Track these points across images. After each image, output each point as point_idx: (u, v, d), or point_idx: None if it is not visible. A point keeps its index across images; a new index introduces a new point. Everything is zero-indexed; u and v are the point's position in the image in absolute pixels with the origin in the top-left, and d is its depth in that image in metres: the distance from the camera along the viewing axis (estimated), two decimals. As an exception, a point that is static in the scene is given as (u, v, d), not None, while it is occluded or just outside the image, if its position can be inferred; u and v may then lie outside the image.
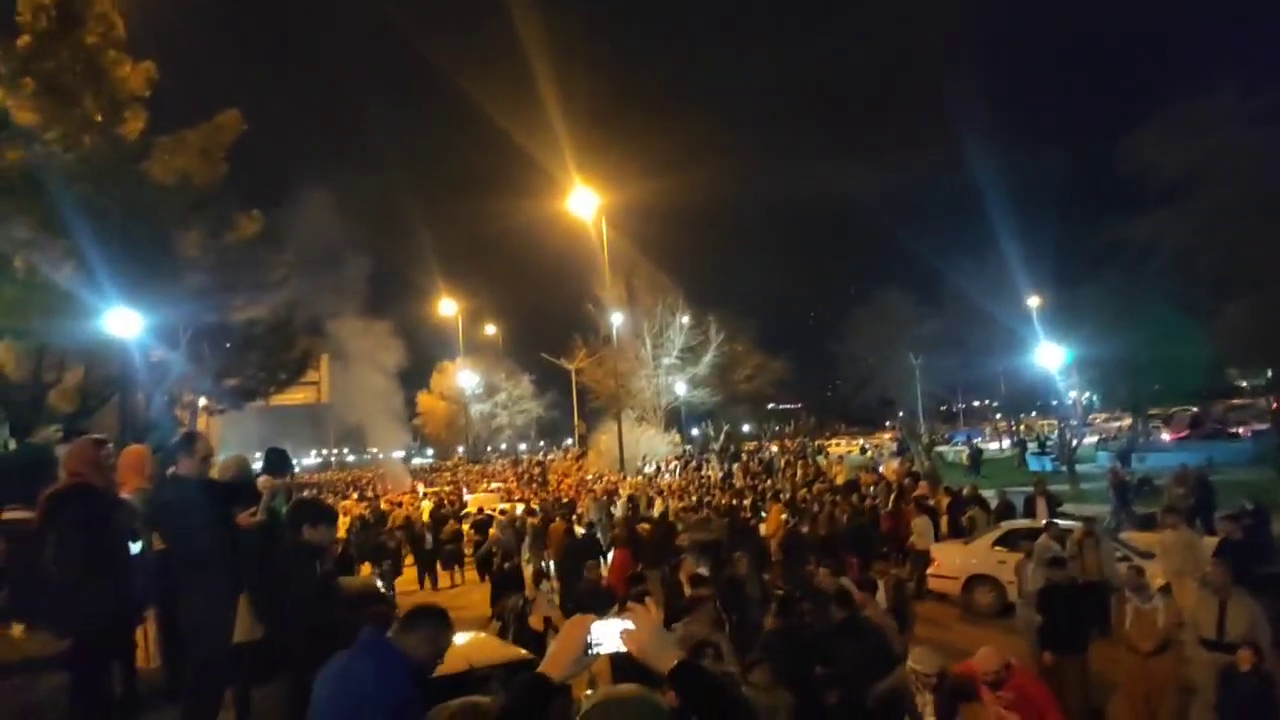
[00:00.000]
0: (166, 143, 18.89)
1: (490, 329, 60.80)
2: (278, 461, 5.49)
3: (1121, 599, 7.60)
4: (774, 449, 38.82)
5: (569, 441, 54.79)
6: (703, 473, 31.68)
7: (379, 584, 12.21)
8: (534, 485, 35.71)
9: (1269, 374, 36.50)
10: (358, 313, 46.33)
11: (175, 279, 18.26)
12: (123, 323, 16.38)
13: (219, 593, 4.82)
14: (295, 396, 52.14)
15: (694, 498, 21.34)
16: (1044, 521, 13.72)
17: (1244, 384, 44.69)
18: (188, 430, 5.76)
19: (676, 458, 38.95)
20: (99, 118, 17.82)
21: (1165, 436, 38.93)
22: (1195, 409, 39.72)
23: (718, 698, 1.91)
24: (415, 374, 59.84)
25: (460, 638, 7.06)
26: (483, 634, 8.02)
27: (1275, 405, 34.43)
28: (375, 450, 62.45)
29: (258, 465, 5.98)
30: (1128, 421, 42.58)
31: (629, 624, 1.95)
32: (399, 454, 60.29)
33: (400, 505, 25.47)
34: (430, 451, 67.29)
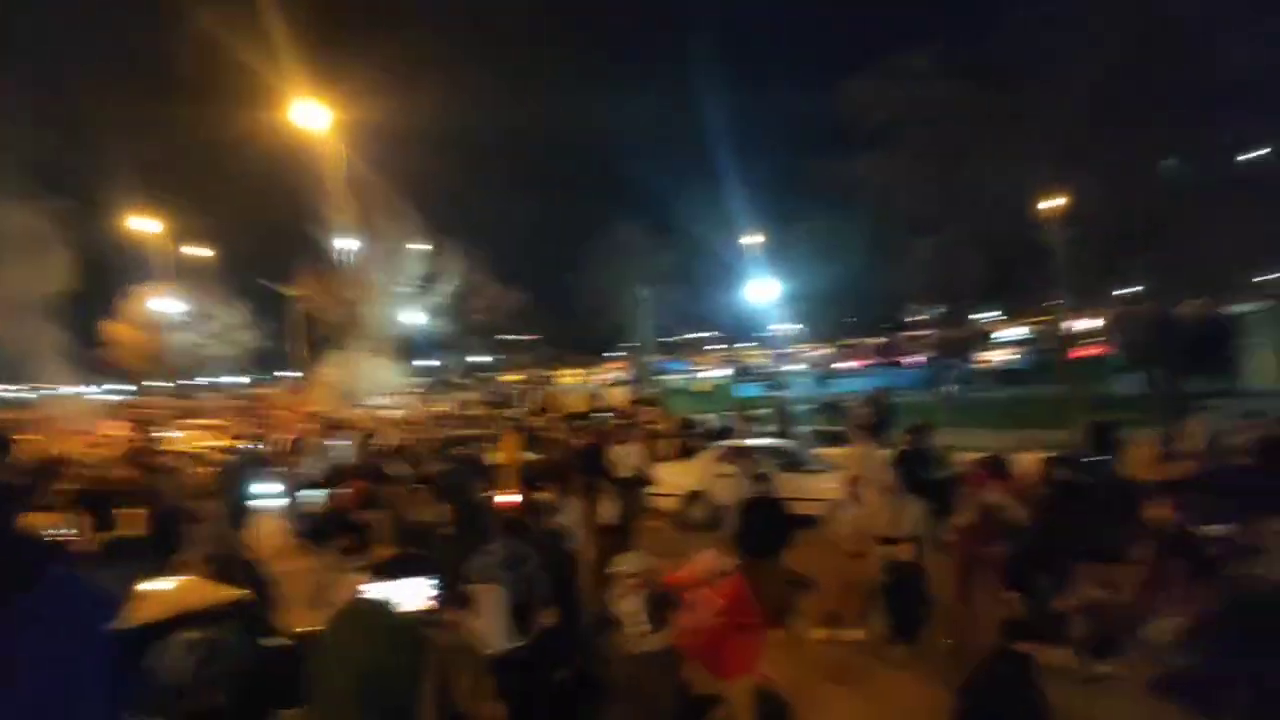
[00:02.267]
0: None
1: (199, 251, 54.64)
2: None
3: (833, 507, 8.52)
4: (510, 380, 39.00)
5: (288, 373, 51.21)
6: (436, 404, 31.12)
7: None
8: (251, 420, 33.05)
9: (942, 309, 42.24)
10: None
11: None
12: None
13: None
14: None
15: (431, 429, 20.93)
16: (750, 442, 15.12)
17: (923, 317, 51.40)
18: None
19: (412, 390, 37.92)
20: None
21: (854, 364, 44.05)
22: (882, 340, 45.14)
23: None
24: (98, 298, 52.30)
25: (168, 582, 6.44)
26: (192, 576, 7.38)
27: (943, 338, 40.05)
28: (41, 385, 53.99)
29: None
30: (825, 351, 47.40)
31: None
32: (75, 389, 52.69)
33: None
34: (122, 386, 59.81)
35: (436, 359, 51.90)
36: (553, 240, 55.94)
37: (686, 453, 15.83)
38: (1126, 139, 15.23)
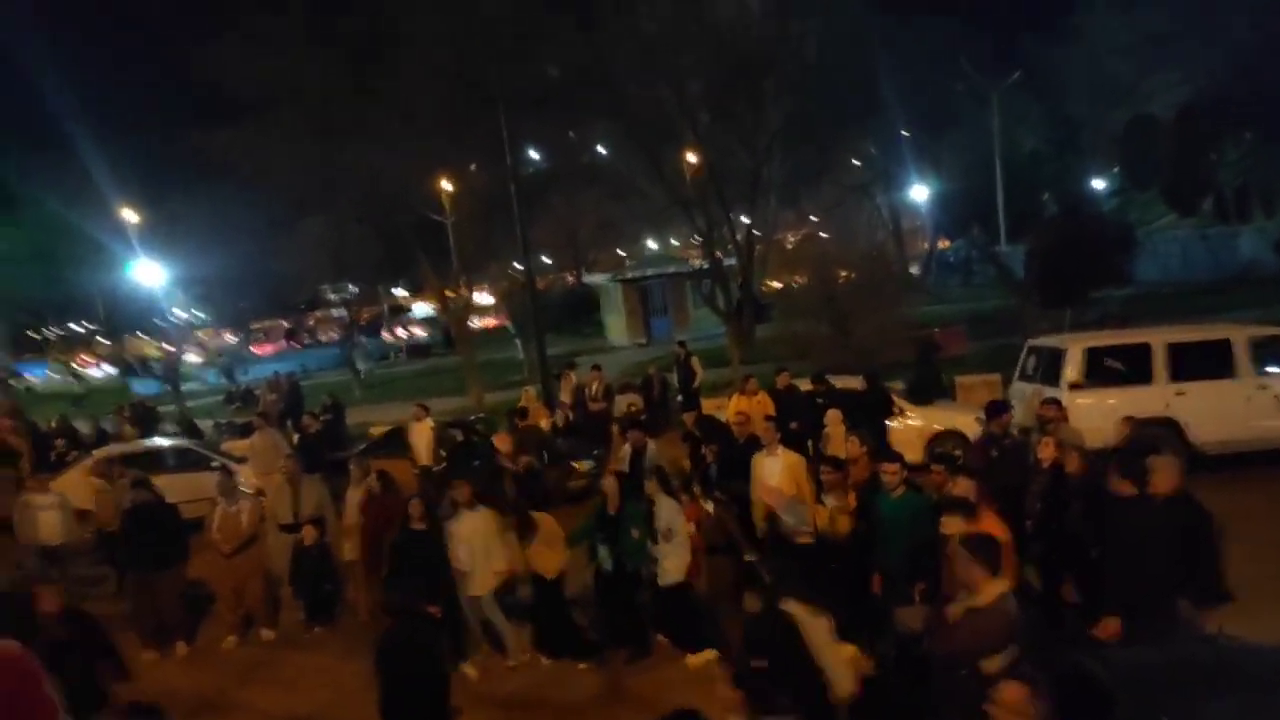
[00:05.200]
0: None
1: None
2: None
3: (212, 505, 7.95)
4: None
5: None
6: None
7: None
8: None
9: (349, 287, 42.29)
10: None
11: None
12: None
13: None
14: None
15: None
16: (141, 446, 13.49)
17: (333, 296, 50.91)
18: None
19: None
20: None
21: (265, 348, 41.97)
22: (288, 322, 43.61)
23: None
24: None
25: None
26: None
27: (353, 317, 40.31)
28: None
29: None
30: (232, 338, 44.22)
31: None
32: None
33: None
34: None
35: None
36: None
37: (57, 466, 13.40)
38: (491, 128, 16.85)
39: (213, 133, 19.22)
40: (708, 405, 13.28)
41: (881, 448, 7.22)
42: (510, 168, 17.45)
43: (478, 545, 6.64)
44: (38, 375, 42.98)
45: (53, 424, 16.01)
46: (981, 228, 38.27)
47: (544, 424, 12.72)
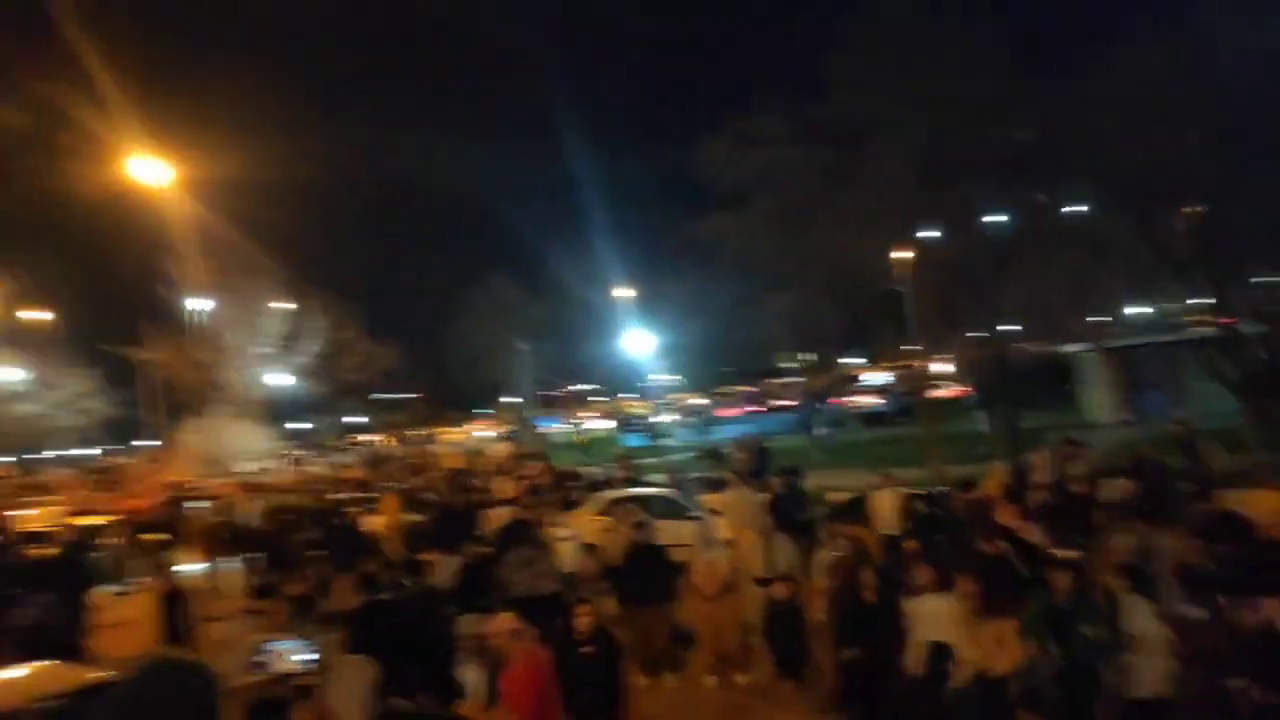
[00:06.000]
0: None
1: (38, 315, 50.89)
2: None
3: (695, 552, 8.84)
4: (385, 440, 38.03)
5: (144, 442, 48.19)
6: (310, 468, 30.02)
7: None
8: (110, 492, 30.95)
9: (807, 357, 44.14)
10: None
11: None
12: None
13: None
14: None
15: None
16: (632, 492, 15.41)
17: (791, 365, 53.42)
18: None
19: (281, 454, 36.39)
20: None
21: (730, 412, 45.33)
22: (753, 388, 46.58)
23: None
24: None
25: (23, 669, 6.15)
26: (54, 662, 7.02)
27: (810, 384, 41.74)
28: None
29: None
30: (703, 400, 48.58)
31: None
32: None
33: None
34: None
35: (308, 421, 49.97)
36: (425, 296, 55.14)
37: (569, 505, 15.94)
38: (956, 196, 16.70)
39: (700, 220, 21.85)
40: (1226, 498, 11.26)
41: None
42: (973, 234, 16.93)
43: (937, 632, 6.44)
44: (551, 426, 50.99)
45: (566, 469, 19.07)
46: None
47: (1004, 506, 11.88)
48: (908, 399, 29.01)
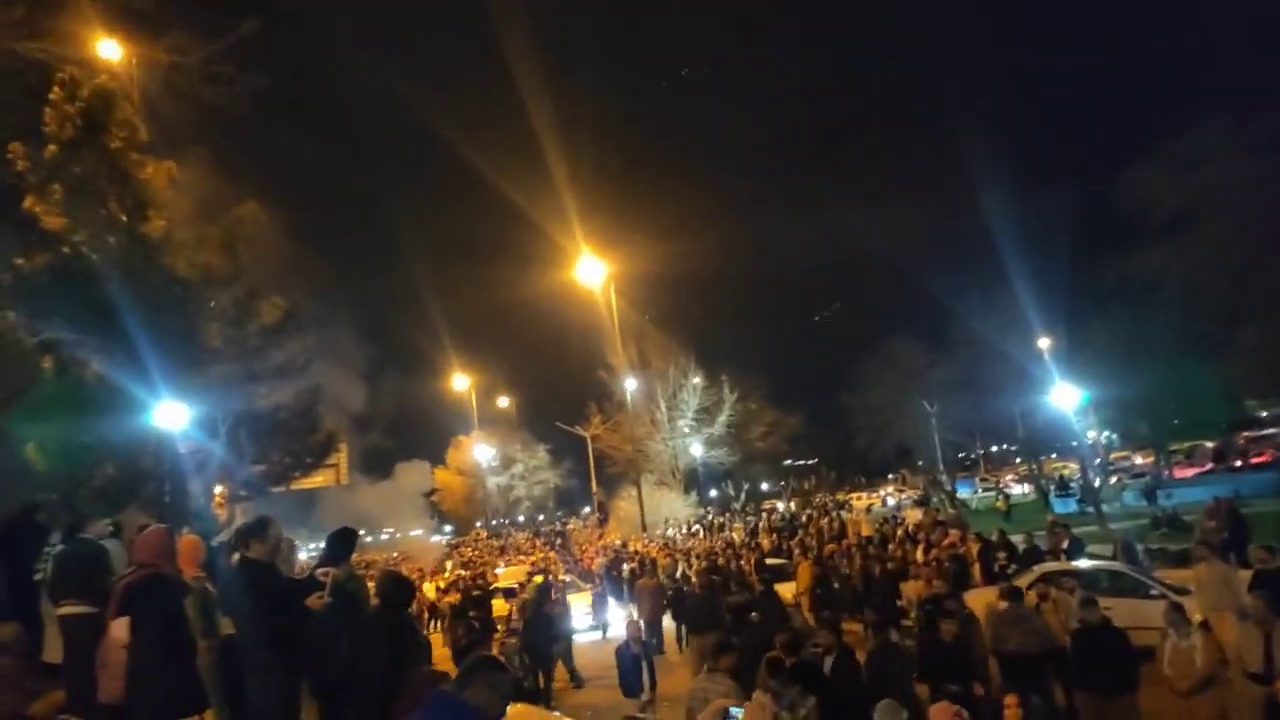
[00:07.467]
0: (189, 238, 19.47)
1: (504, 401, 61.15)
2: (341, 545, 5.66)
3: (1162, 637, 7.65)
4: (795, 506, 38.61)
5: (586, 509, 54.70)
6: (725, 533, 31.53)
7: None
8: (559, 554, 35.61)
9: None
10: (372, 392, 46.83)
11: (202, 369, 18.67)
12: (170, 416, 16.93)
13: (290, 675, 4.99)
14: (315, 480, 52.21)
15: (718, 559, 21.23)
16: (1072, 564, 13.76)
17: (1264, 414, 44.40)
18: (260, 517, 5.92)
19: (697, 520, 38.80)
20: (124, 218, 18.44)
21: (1186, 472, 38.72)
22: (1216, 442, 39.46)
23: None
24: (431, 449, 60.18)
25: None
26: (528, 706, 8.12)
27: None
28: (391, 530, 62.14)
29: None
30: (1146, 459, 42.32)
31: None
32: (416, 532, 60.11)
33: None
34: (448, 528, 66.96)
35: (720, 488, 52.92)
36: (827, 361, 55.70)
37: (992, 579, 14.72)
38: None
39: (1128, 256, 19.39)
40: None
41: None
42: None
43: None
44: (966, 491, 47.87)
45: (993, 538, 17.61)
46: None
47: None
48: None
